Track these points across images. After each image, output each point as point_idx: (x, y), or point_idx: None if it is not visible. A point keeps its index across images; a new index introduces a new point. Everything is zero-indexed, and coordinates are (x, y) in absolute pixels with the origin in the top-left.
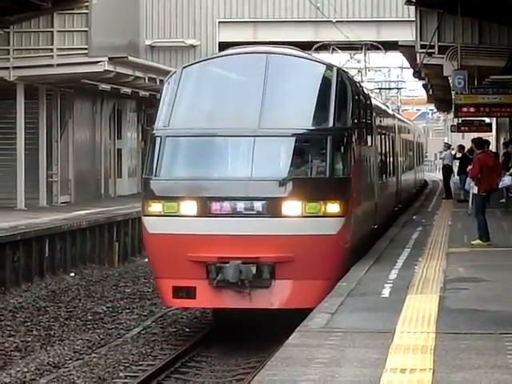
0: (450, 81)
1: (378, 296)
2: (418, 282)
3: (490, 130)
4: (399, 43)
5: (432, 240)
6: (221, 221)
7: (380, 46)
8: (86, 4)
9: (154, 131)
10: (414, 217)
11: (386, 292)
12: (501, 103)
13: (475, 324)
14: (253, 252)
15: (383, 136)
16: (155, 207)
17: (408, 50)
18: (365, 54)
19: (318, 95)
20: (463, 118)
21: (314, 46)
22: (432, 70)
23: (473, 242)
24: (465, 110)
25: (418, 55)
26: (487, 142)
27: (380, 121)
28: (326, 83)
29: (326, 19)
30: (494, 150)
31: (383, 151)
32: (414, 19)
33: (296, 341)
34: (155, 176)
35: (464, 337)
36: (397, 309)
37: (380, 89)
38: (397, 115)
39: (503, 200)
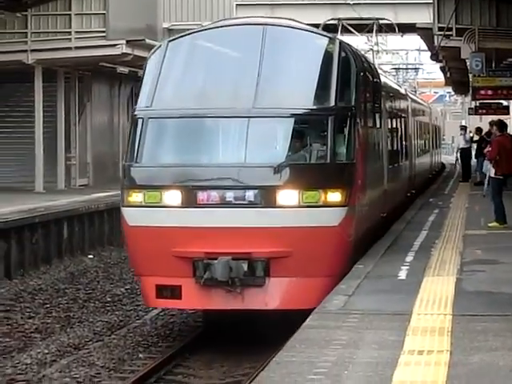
0: (468, 63)
1: (394, 278)
2: (434, 265)
3: (508, 113)
4: (417, 25)
5: (449, 222)
6: (208, 212)
7: (395, 26)
8: None
9: (136, 112)
10: (431, 199)
11: (402, 274)
12: None
13: (492, 306)
14: (244, 247)
15: (395, 117)
16: (136, 197)
17: (425, 33)
18: (376, 34)
19: (319, 71)
20: (481, 101)
21: (322, 24)
22: (449, 52)
23: (489, 225)
24: (482, 92)
25: (435, 38)
26: (506, 125)
27: (391, 101)
28: (327, 57)
29: (343, 1)
30: (511, 132)
31: (394, 134)
32: (431, 1)
33: (314, 322)
34: (136, 163)
35: (481, 319)
36: (413, 291)
37: (397, 69)
38: (410, 95)
39: None
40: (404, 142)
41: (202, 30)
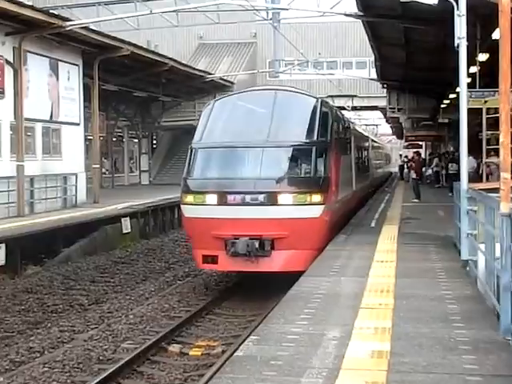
0: (403, 124)
1: (369, 226)
2: (388, 219)
3: (421, 147)
4: (378, 107)
5: (394, 199)
6: (234, 208)
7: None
8: None
9: (191, 144)
10: (387, 188)
11: (373, 224)
12: (426, 135)
13: (414, 239)
14: (257, 231)
15: (360, 148)
16: (189, 198)
17: (383, 110)
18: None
19: (307, 119)
20: (409, 142)
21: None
22: (394, 119)
23: (413, 200)
24: (410, 138)
25: (387, 112)
26: (420, 153)
27: (357, 138)
28: (313, 111)
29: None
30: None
31: (360, 157)
32: (385, 95)
33: (330, 247)
34: (189, 176)
35: (409, 245)
36: (378, 232)
37: (366, 125)
38: (371, 137)
39: (439, 185)
40: (366, 162)
41: (237, 94)
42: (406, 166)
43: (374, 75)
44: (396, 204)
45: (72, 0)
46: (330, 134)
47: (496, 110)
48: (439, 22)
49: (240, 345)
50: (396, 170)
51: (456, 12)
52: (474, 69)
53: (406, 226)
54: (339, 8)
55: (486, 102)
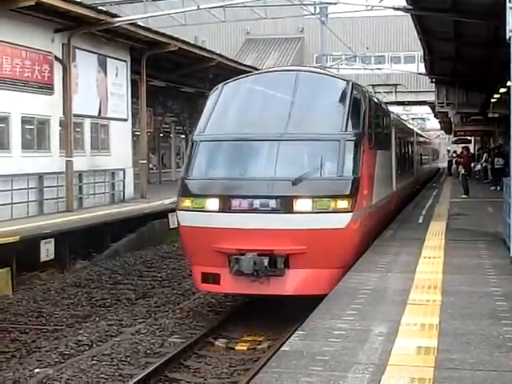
0: (452, 119)
1: (416, 222)
2: (436, 215)
3: (470, 142)
4: (427, 101)
5: (442, 195)
6: (239, 216)
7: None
8: None
9: (192, 136)
10: (434, 184)
11: (420, 220)
12: (475, 130)
13: (463, 235)
14: (268, 245)
15: (403, 142)
16: (186, 203)
17: (431, 105)
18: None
19: (334, 106)
20: (457, 137)
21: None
22: (443, 114)
23: (461, 196)
24: (459, 133)
25: (436, 107)
26: (469, 148)
27: (399, 131)
28: (341, 96)
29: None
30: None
31: (403, 152)
32: (434, 90)
33: (377, 242)
34: (187, 176)
35: (457, 241)
36: (426, 228)
37: (413, 118)
38: (416, 130)
39: (494, 186)
40: (411, 158)
41: (251, 76)
42: (454, 161)
43: (422, 69)
44: (444, 200)
45: None
46: (362, 125)
47: None
48: (490, 14)
49: (286, 340)
50: (444, 165)
51: (508, 4)
52: None
53: (454, 222)
54: (388, 1)
55: None
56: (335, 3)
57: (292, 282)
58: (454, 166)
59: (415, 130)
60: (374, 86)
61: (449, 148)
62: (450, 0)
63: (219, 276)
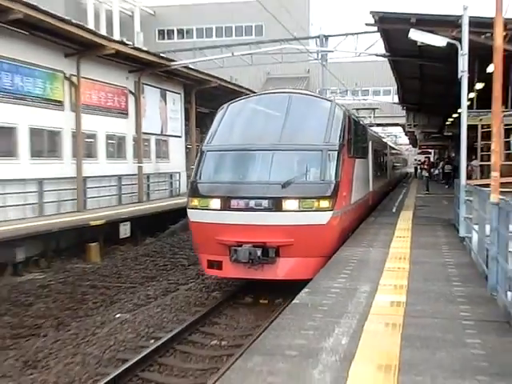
0: (417, 137)
1: (391, 211)
2: (405, 206)
3: (430, 154)
4: (399, 123)
5: (410, 192)
6: (237, 214)
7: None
8: None
9: (201, 146)
10: (404, 184)
11: (394, 209)
12: (435, 144)
13: (426, 221)
14: (261, 238)
15: (378, 152)
16: (194, 202)
17: (402, 125)
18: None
19: (319, 121)
20: (421, 150)
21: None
22: (411, 132)
23: (425, 192)
24: (422, 146)
25: (406, 127)
26: (429, 158)
27: (375, 143)
28: (324, 113)
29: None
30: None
31: (378, 160)
32: (405, 115)
33: (363, 226)
34: (195, 180)
35: (422, 225)
36: (398, 215)
37: (388, 135)
38: (388, 143)
39: (446, 185)
40: (385, 164)
41: (251, 96)
42: (419, 167)
43: (396, 100)
44: (411, 195)
45: (176, 46)
46: (342, 137)
47: (489, 126)
48: (446, 59)
49: (296, 296)
50: (412, 170)
51: (460, 52)
52: (472, 94)
53: (418, 212)
54: (372, 50)
55: (481, 119)
56: (332, 51)
57: (282, 269)
58: (419, 170)
59: (388, 143)
60: (357, 109)
61: (415, 157)
62: (417, 49)
63: (221, 263)
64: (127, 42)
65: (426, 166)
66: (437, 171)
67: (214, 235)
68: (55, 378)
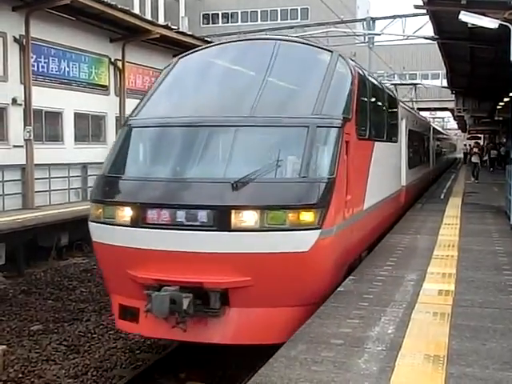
0: (467, 121)
1: (438, 198)
2: (453, 193)
3: (480, 139)
4: (448, 108)
5: (458, 178)
6: (156, 233)
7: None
8: None
9: (125, 120)
10: (453, 170)
11: (442, 196)
12: (484, 129)
13: (475, 208)
14: (195, 274)
15: (416, 134)
16: (96, 211)
17: (451, 110)
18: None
19: (310, 83)
20: (471, 135)
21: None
22: (460, 117)
23: (473, 179)
24: (472, 131)
25: (455, 112)
26: (479, 143)
27: (412, 124)
28: (320, 70)
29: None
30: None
31: (416, 145)
32: (454, 99)
33: (409, 213)
34: (103, 174)
35: (470, 213)
36: (446, 201)
37: (434, 118)
38: (433, 126)
39: (491, 168)
40: (426, 151)
41: (216, 46)
42: (468, 153)
43: (445, 84)
44: (460, 182)
45: (221, 30)
46: (346, 107)
47: None
48: (498, 42)
49: (341, 283)
50: (461, 155)
51: None
52: None
53: (467, 198)
54: (420, 32)
55: None
56: (380, 34)
57: (233, 327)
58: (469, 156)
59: (433, 125)
60: (395, 85)
61: (464, 143)
62: (468, 31)
63: (138, 311)
64: (172, 27)
65: (476, 150)
66: (486, 157)
67: (124, 266)
68: (97, 362)
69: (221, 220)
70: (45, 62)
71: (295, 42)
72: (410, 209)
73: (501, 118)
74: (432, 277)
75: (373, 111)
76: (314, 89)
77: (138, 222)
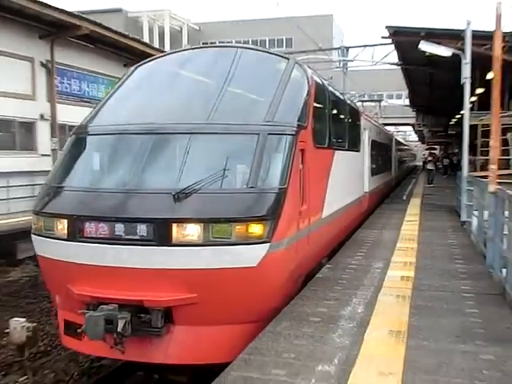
0: (425, 134)
1: (401, 198)
2: (414, 194)
3: (436, 149)
4: (410, 123)
5: (418, 182)
6: (94, 247)
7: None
8: None
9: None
10: (413, 175)
11: (404, 197)
12: (440, 141)
13: (432, 208)
14: (135, 291)
15: (379, 145)
16: (37, 223)
17: (412, 125)
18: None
19: (264, 90)
20: (429, 146)
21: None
22: (420, 131)
23: (428, 184)
24: (429, 143)
25: (415, 127)
26: (435, 153)
27: (374, 135)
28: (275, 77)
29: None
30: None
31: (379, 154)
32: (414, 116)
33: (377, 211)
34: (46, 184)
35: (429, 211)
36: (407, 202)
37: (398, 131)
38: (396, 137)
39: (444, 175)
40: (389, 159)
41: (177, 53)
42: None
43: (407, 102)
44: (419, 185)
45: None
46: (302, 115)
47: (488, 126)
48: (451, 67)
49: (319, 270)
50: (420, 163)
51: (463, 61)
52: (473, 98)
53: (425, 199)
54: (387, 59)
55: (481, 120)
56: (352, 61)
57: (178, 346)
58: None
59: (396, 137)
60: (362, 101)
61: (423, 153)
62: (426, 58)
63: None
64: None
65: (430, 158)
66: (441, 165)
67: (65, 281)
68: None
69: (161, 234)
70: (67, 83)
71: (255, 50)
72: (376, 210)
73: (453, 132)
74: (395, 265)
75: (333, 121)
76: (268, 96)
77: (75, 235)
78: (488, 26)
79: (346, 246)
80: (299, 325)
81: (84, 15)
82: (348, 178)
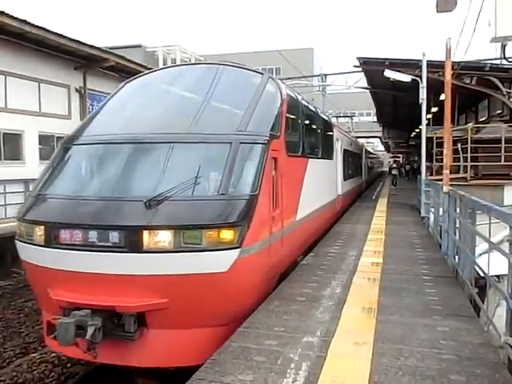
0: (390, 145)
1: (371, 198)
2: (381, 195)
3: (399, 157)
4: (377, 136)
5: (385, 185)
6: (69, 254)
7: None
8: None
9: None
10: (381, 180)
11: (373, 197)
12: (402, 151)
13: (397, 205)
14: (108, 297)
15: (351, 153)
16: (20, 229)
17: (380, 138)
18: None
19: (239, 102)
20: (393, 155)
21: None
22: (385, 143)
23: (392, 186)
24: (394, 152)
25: (382, 139)
26: (398, 161)
27: (346, 144)
28: (249, 91)
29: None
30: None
31: (351, 161)
32: (381, 130)
33: (351, 208)
34: (31, 191)
35: (394, 208)
36: (376, 201)
37: (368, 143)
38: (365, 147)
39: (406, 178)
40: (359, 166)
41: (161, 70)
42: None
43: (375, 119)
44: (386, 187)
45: None
46: (274, 125)
47: (441, 138)
48: (411, 90)
49: (304, 258)
50: (387, 169)
51: (420, 85)
52: (429, 115)
53: (391, 198)
54: (358, 84)
55: (435, 133)
56: (330, 85)
57: (150, 350)
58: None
59: (365, 147)
60: (337, 117)
61: (389, 160)
62: (390, 83)
63: None
64: None
65: (394, 165)
66: (403, 170)
67: (45, 285)
68: None
69: (132, 241)
70: (97, 105)
71: (235, 66)
72: (350, 209)
73: (413, 143)
74: (367, 253)
75: (306, 131)
76: (243, 108)
77: (52, 241)
78: (440, 55)
79: (325, 238)
80: (288, 303)
81: (110, 50)
82: (322, 182)
